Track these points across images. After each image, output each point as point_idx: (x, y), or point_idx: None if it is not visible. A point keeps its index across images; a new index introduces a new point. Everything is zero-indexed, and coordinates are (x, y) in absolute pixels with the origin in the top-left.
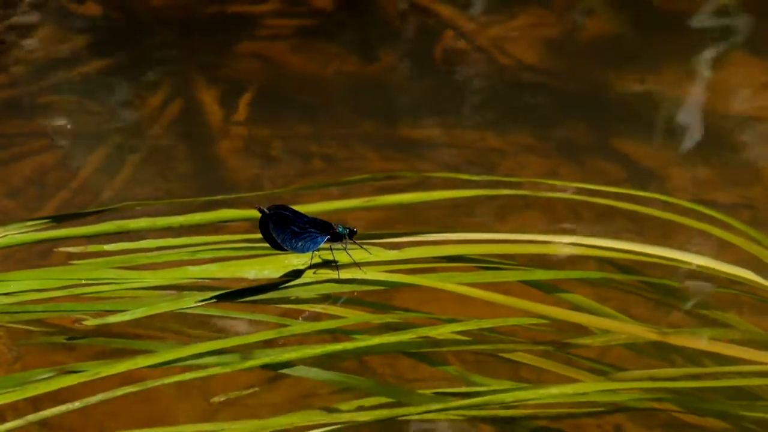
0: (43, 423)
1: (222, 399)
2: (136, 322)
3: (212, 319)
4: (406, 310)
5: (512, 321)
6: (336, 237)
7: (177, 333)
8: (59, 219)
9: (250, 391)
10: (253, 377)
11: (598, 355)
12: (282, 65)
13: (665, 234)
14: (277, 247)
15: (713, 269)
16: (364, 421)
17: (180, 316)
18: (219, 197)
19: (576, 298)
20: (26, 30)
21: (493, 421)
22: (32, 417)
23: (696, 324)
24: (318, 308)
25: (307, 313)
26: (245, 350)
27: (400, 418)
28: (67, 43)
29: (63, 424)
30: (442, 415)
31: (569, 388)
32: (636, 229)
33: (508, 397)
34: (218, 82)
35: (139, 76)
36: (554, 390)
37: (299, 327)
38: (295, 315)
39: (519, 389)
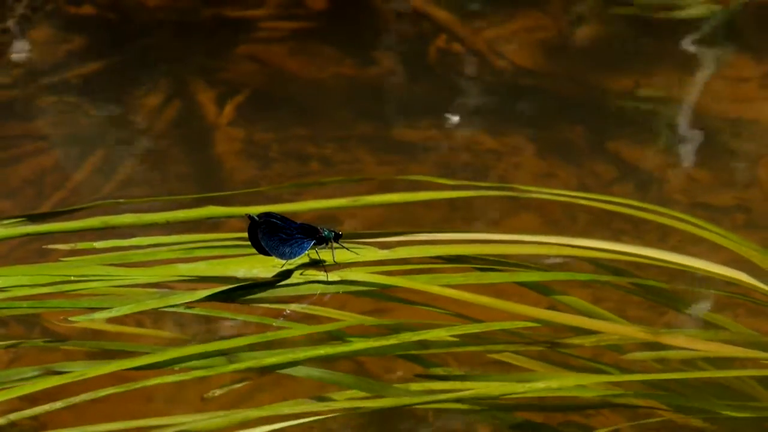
0: (39, 426)
1: (217, 393)
2: (134, 322)
3: (201, 317)
4: (400, 300)
5: (499, 325)
6: (321, 240)
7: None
8: (42, 216)
9: (242, 384)
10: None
11: (593, 356)
12: (279, 68)
13: (662, 237)
14: (266, 253)
15: (708, 271)
16: (350, 410)
17: (172, 314)
18: (209, 194)
19: (572, 300)
20: (23, 32)
21: (485, 418)
22: (14, 416)
23: (690, 326)
24: (301, 308)
25: (288, 311)
26: (235, 351)
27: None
28: (64, 44)
29: (58, 427)
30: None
31: (555, 382)
32: (634, 231)
33: (494, 390)
34: (215, 84)
35: (136, 78)
36: (540, 384)
37: (297, 330)
38: (289, 315)
39: (506, 381)
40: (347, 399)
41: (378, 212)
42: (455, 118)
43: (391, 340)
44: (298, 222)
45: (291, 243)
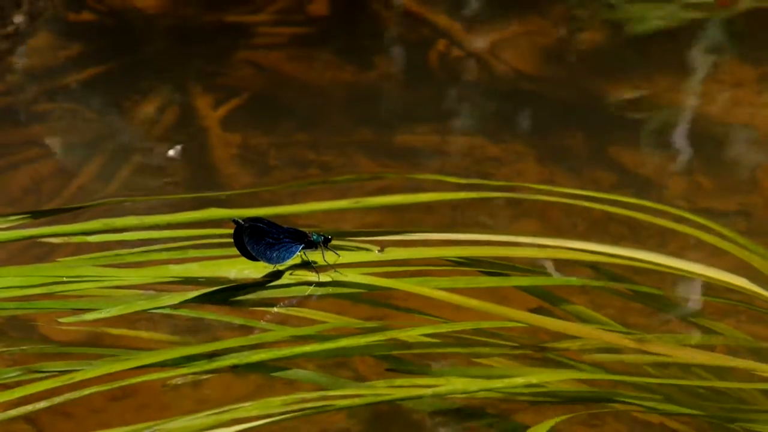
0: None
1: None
2: (130, 324)
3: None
4: (393, 307)
5: (471, 325)
6: (310, 245)
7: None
8: (41, 214)
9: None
10: (248, 384)
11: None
12: (278, 73)
13: (662, 242)
14: (252, 258)
15: (708, 277)
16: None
17: (170, 315)
18: (206, 194)
19: (571, 307)
20: (22, 38)
21: (473, 416)
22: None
23: (691, 332)
24: (286, 310)
25: (276, 309)
26: (227, 353)
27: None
28: (63, 51)
29: None
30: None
31: (534, 377)
32: (632, 237)
33: (472, 386)
34: (215, 90)
35: (135, 83)
36: (520, 380)
37: (286, 331)
38: (278, 316)
39: (485, 378)
40: (322, 396)
41: (374, 216)
42: (173, 152)
43: (374, 338)
44: (286, 227)
45: (278, 248)
